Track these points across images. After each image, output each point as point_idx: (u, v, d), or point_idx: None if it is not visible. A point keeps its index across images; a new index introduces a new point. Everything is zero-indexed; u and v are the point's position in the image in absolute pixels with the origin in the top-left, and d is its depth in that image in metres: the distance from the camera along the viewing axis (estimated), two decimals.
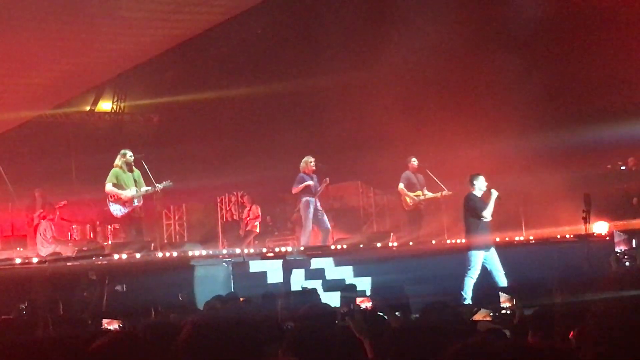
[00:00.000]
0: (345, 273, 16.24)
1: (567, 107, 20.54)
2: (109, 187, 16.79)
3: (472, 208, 15.13)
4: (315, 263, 16.48)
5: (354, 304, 9.32)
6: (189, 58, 25.18)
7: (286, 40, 23.79)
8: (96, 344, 3.66)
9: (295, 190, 18.72)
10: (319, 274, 16.06)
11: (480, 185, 15.26)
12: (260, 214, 23.73)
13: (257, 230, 23.43)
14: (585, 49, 20.11)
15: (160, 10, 19.01)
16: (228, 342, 3.62)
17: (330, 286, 14.58)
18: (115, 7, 18.40)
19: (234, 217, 26.08)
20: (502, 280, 14.55)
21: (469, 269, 14.66)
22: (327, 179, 18.87)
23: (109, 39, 19.88)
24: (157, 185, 16.97)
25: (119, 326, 8.47)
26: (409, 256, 16.78)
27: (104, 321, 8.46)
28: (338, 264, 16.62)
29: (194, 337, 3.75)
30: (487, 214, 15.05)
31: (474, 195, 15.21)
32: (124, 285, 11.19)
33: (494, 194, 15.21)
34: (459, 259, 15.14)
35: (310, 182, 18.56)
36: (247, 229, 23.49)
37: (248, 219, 23.66)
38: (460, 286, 14.44)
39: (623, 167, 20.98)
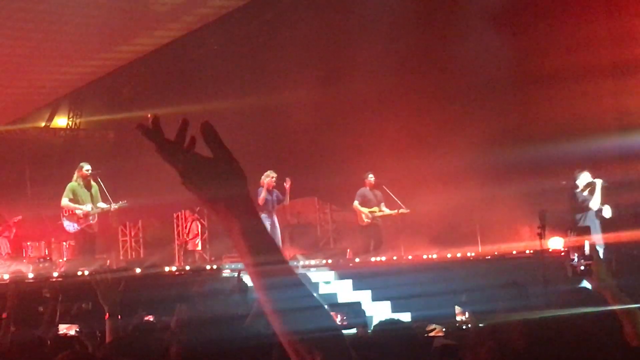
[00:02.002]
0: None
1: (523, 122, 20.68)
2: (64, 201, 16.68)
3: (578, 201, 15.79)
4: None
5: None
6: (145, 74, 25.12)
7: (243, 56, 23.80)
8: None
9: (259, 200, 18.61)
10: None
11: (584, 180, 15.94)
12: (199, 231, 23.58)
13: (199, 248, 23.16)
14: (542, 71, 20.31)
15: (118, 27, 18.99)
16: None
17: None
18: (68, 22, 18.35)
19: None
20: None
21: None
22: (288, 179, 18.83)
23: (63, 56, 19.81)
24: (112, 204, 16.90)
25: (76, 331, 8.44)
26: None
27: (61, 326, 8.41)
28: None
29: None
30: (595, 204, 16.01)
31: (577, 191, 15.92)
32: (90, 303, 11.13)
33: (599, 182, 15.93)
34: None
35: (264, 197, 18.51)
36: (187, 248, 23.22)
37: (188, 238, 23.42)
38: None
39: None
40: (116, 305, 6.36)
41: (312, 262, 18.39)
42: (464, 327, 9.51)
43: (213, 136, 2.71)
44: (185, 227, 24.30)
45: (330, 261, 18.60)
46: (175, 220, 25.39)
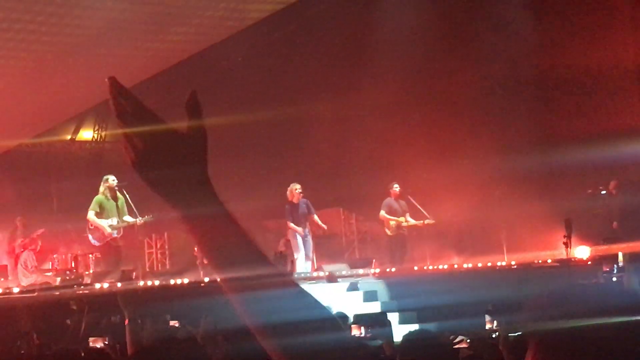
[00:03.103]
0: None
1: (549, 129, 20.60)
2: (90, 215, 16.69)
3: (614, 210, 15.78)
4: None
5: None
6: (170, 86, 25.18)
7: (267, 67, 23.82)
8: None
9: (289, 226, 18.69)
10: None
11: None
12: None
13: None
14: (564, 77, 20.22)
15: (141, 39, 19.07)
16: None
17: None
18: (96, 35, 18.43)
19: None
20: None
21: None
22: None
23: (88, 68, 19.89)
24: (138, 218, 16.90)
25: (104, 344, 8.47)
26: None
27: (90, 339, 8.44)
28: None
29: None
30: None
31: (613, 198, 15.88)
32: (119, 316, 11.19)
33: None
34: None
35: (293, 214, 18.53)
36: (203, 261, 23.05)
37: None
38: None
39: (604, 192, 21.01)
40: (136, 310, 6.35)
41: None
42: (492, 336, 9.44)
43: (196, 108, 2.32)
44: None
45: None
46: None
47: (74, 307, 11.38)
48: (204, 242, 2.12)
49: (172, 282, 16.79)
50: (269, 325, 2.02)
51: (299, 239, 18.51)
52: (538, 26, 20.38)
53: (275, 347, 2.03)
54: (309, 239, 18.79)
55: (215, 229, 2.09)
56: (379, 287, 16.77)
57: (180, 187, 2.12)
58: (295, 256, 18.76)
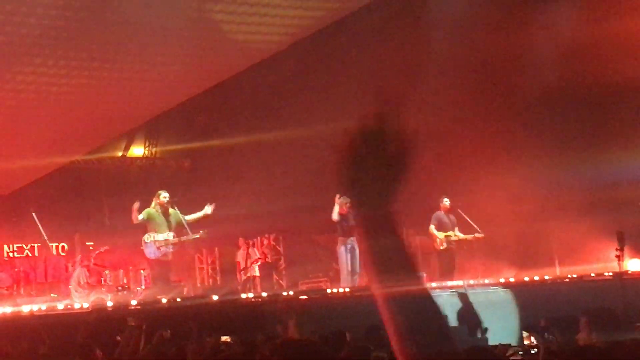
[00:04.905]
0: None
1: (602, 143, 20.42)
2: (138, 217, 16.82)
3: None
4: None
5: None
6: (219, 102, 25.34)
7: (316, 81, 23.85)
8: None
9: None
10: None
11: None
12: (259, 255, 23.53)
13: (257, 273, 22.98)
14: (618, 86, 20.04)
15: (190, 55, 19.20)
16: None
17: None
18: (145, 53, 18.60)
19: (267, 259, 25.98)
20: None
21: None
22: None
23: (139, 85, 20.07)
24: (190, 235, 17.03)
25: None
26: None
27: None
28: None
29: None
30: None
31: None
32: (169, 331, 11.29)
33: None
34: None
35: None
36: (247, 275, 22.96)
37: (248, 265, 23.06)
38: None
39: None
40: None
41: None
42: (532, 352, 9.40)
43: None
44: (249, 255, 24.29)
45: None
46: (249, 247, 25.45)
47: (132, 324, 11.46)
48: (371, 247, 2.34)
49: (221, 298, 16.84)
50: (406, 323, 2.21)
51: (342, 251, 18.50)
52: (595, 35, 20.21)
53: (410, 345, 2.20)
54: (357, 253, 18.78)
55: (383, 237, 2.36)
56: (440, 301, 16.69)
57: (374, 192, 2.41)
58: (341, 270, 18.79)
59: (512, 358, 9.33)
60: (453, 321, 14.67)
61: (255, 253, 23.46)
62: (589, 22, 19.93)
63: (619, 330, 6.47)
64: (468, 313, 15.32)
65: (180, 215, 17.21)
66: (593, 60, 20.06)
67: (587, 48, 20.03)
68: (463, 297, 15.73)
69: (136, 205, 16.99)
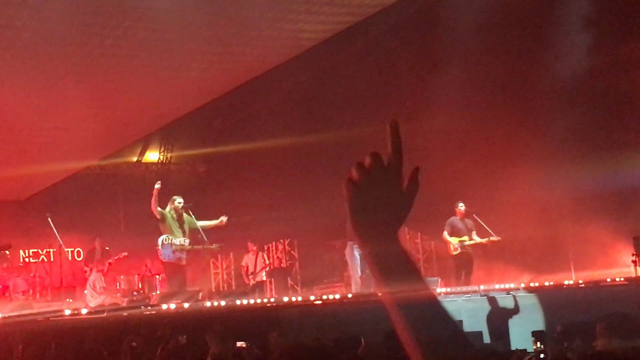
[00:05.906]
0: None
1: (618, 147, 20.34)
2: (157, 209, 16.88)
3: None
4: None
5: None
6: (235, 107, 25.34)
7: (332, 87, 23.82)
8: None
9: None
10: None
11: None
12: (268, 262, 23.49)
13: (264, 278, 22.89)
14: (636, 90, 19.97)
15: (206, 60, 19.22)
16: None
17: None
18: (160, 58, 18.63)
19: (282, 264, 25.99)
20: None
21: None
22: None
23: (155, 91, 20.12)
24: (205, 244, 17.08)
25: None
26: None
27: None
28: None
29: None
30: None
31: None
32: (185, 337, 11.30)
33: None
34: None
35: None
36: (256, 280, 22.85)
37: (256, 270, 22.98)
38: None
39: None
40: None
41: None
42: (540, 356, 9.35)
43: (398, 138, 2.40)
44: (269, 258, 24.30)
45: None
46: (266, 251, 25.47)
47: (144, 329, 11.48)
48: (376, 260, 2.26)
49: (237, 302, 16.86)
50: (416, 331, 2.17)
51: (355, 255, 18.40)
52: (611, 37, 20.14)
53: (423, 350, 2.16)
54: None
55: (389, 253, 2.27)
56: (454, 306, 16.65)
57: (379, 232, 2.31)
58: (352, 275, 18.70)
59: None
60: (470, 326, 14.60)
61: (265, 259, 23.42)
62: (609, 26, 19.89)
63: (636, 336, 6.44)
64: (489, 318, 15.27)
65: (195, 222, 17.24)
66: (611, 64, 20.01)
67: (609, 52, 19.95)
68: (485, 301, 15.68)
69: (157, 184, 17.04)
